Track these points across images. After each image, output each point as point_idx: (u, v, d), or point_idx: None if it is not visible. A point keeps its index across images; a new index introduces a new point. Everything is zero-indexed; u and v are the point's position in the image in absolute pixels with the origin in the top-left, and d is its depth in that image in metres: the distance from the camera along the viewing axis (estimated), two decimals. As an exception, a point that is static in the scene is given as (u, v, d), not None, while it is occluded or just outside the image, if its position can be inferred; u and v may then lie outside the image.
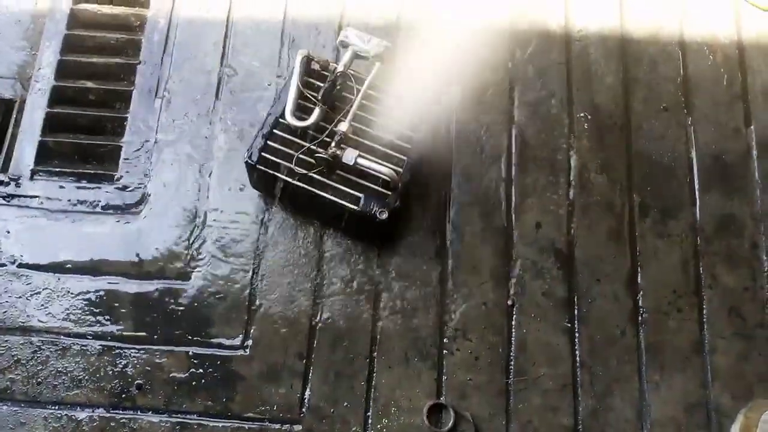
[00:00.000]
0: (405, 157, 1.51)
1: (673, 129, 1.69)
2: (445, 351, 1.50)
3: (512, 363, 1.50)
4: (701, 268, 1.58)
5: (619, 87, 1.72)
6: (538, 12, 1.78)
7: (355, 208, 1.46)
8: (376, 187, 1.49)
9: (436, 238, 1.59)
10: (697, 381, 1.49)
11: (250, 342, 1.51)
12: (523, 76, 1.72)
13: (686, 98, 1.72)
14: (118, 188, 1.64)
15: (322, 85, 1.53)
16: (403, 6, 1.79)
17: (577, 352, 1.51)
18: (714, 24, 1.79)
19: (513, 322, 1.52)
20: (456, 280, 1.56)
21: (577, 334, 1.52)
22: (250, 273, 1.57)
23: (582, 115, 1.69)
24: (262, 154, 1.50)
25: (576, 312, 1.54)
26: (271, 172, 1.49)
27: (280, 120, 1.52)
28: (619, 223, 1.61)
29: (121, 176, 1.65)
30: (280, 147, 1.51)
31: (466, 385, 1.48)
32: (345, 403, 1.47)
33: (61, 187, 1.64)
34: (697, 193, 1.64)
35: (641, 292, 1.56)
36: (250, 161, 1.50)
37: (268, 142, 1.51)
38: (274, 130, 1.52)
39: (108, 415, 1.45)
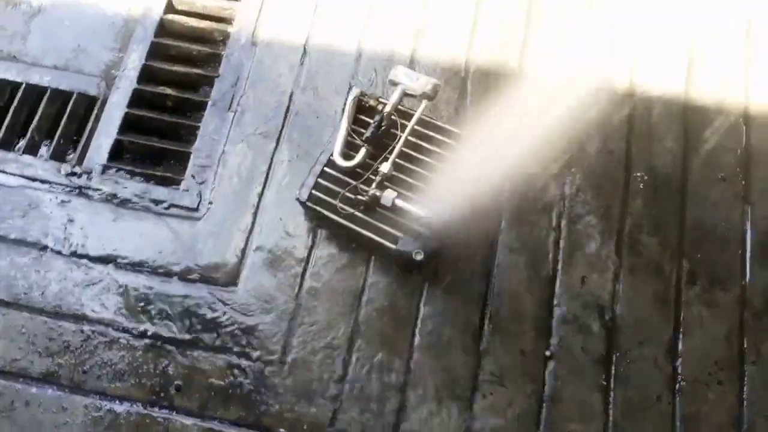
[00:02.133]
0: (447, 198, 1.54)
1: (729, 200, 1.69)
2: (477, 393, 1.52)
3: (544, 414, 1.50)
4: (745, 343, 1.56)
5: (678, 151, 1.73)
6: (601, 67, 1.80)
7: (393, 247, 1.50)
8: (416, 228, 1.52)
9: (480, 281, 1.61)
10: (731, 458, 1.47)
11: (288, 358, 1.55)
12: (583, 129, 1.74)
13: (745, 170, 1.72)
14: (181, 192, 1.71)
15: (372, 122, 1.57)
16: (473, 51, 1.84)
17: (610, 412, 1.50)
18: (781, 100, 1.80)
19: (548, 374, 1.53)
20: (495, 325, 1.57)
21: (612, 394, 1.52)
22: (296, 291, 1.61)
23: (638, 174, 1.70)
24: (312, 191, 1.56)
25: (613, 371, 1.53)
26: (319, 209, 1.54)
27: (330, 158, 1.57)
28: (666, 287, 1.61)
29: (187, 181, 1.73)
30: (329, 185, 1.56)
31: (495, 430, 1.49)
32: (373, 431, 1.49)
33: (129, 185, 1.72)
34: (748, 266, 1.63)
35: (681, 359, 1.55)
36: (300, 199, 1.55)
37: (319, 180, 1.56)
38: (325, 168, 1.57)
39: (145, 411, 1.50)
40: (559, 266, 1.61)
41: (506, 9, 1.88)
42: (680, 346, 1.56)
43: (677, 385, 1.53)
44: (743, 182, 1.70)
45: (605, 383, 1.52)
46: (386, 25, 1.87)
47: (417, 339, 1.56)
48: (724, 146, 1.73)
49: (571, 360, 1.54)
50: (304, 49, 1.86)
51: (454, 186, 1.51)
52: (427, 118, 1.59)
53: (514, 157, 1.71)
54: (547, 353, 1.54)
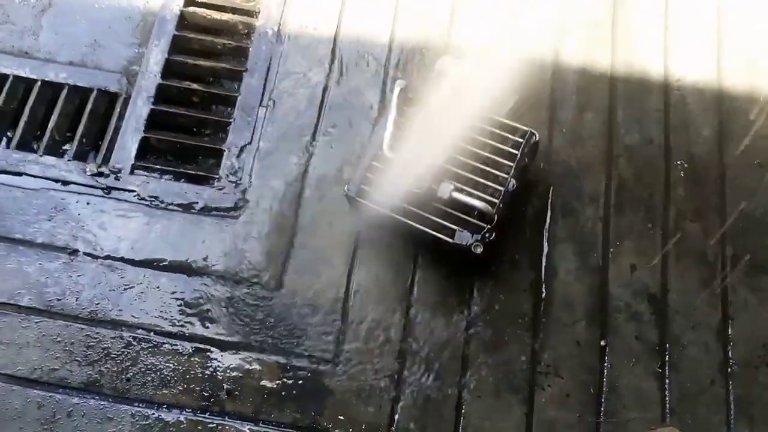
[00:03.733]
0: (502, 188, 1.52)
1: (765, 185, 1.71)
2: (536, 386, 1.50)
3: (603, 404, 1.49)
4: (790, 325, 1.59)
5: (714, 139, 1.74)
6: (637, 57, 1.81)
7: (450, 241, 1.47)
8: (472, 220, 1.49)
9: (530, 273, 1.59)
10: (786, 439, 1.49)
11: (341, 357, 1.51)
12: (622, 120, 1.74)
13: (780, 156, 1.75)
14: (217, 191, 1.65)
15: (420, 115, 1.54)
16: (508, 35, 1.82)
17: (667, 398, 1.51)
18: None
19: (605, 363, 1.52)
20: (549, 317, 1.56)
21: (667, 380, 1.52)
22: (344, 288, 1.57)
23: (678, 162, 1.71)
24: (362, 186, 1.52)
25: (667, 358, 1.54)
26: (371, 205, 1.51)
27: (379, 152, 1.53)
28: (712, 273, 1.62)
29: (222, 179, 1.67)
30: (379, 179, 1.52)
31: (555, 422, 1.47)
32: (433, 429, 1.46)
33: (161, 184, 1.66)
34: (789, 250, 1.65)
35: (731, 344, 1.56)
36: (349, 194, 1.51)
37: (368, 174, 1.52)
38: (374, 163, 1.53)
39: (195, 418, 1.44)
40: (609, 255, 1.61)
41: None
42: (730, 331, 1.57)
43: (729, 369, 1.54)
44: (779, 168, 1.73)
45: (660, 370, 1.52)
46: (418, 10, 1.84)
47: (471, 334, 1.54)
48: (758, 133, 1.76)
49: (626, 348, 1.53)
50: (334, 40, 1.81)
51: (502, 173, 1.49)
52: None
53: (558, 145, 1.70)
54: (602, 343, 1.54)
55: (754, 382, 1.53)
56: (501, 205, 1.47)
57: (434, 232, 1.46)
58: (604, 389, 1.50)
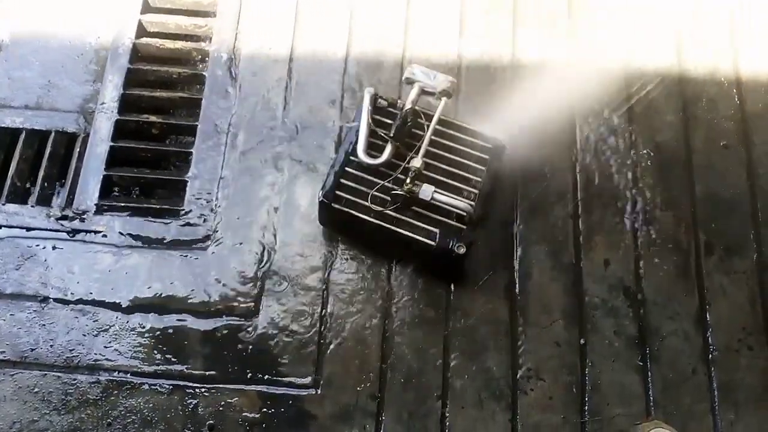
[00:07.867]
0: (476, 191, 1.52)
1: (733, 166, 1.71)
2: (518, 391, 1.50)
3: (587, 403, 1.49)
4: (769, 306, 1.59)
5: (679, 125, 1.74)
6: (597, 50, 1.80)
7: (432, 243, 1.47)
8: (450, 222, 1.49)
9: (504, 276, 1.59)
10: (772, 421, 1.49)
11: (321, 381, 1.50)
12: (585, 113, 1.74)
13: (745, 136, 1.74)
14: (184, 224, 1.64)
15: (389, 122, 1.55)
16: (464, 44, 1.81)
17: (650, 391, 1.51)
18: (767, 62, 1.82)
19: (586, 362, 1.52)
20: (527, 319, 1.55)
21: (649, 373, 1.52)
22: (319, 310, 1.56)
23: (645, 152, 1.71)
24: (336, 192, 1.51)
25: (647, 350, 1.53)
26: (347, 210, 1.50)
27: (352, 158, 1.53)
28: (686, 260, 1.62)
29: (187, 211, 1.65)
30: (353, 185, 1.51)
31: (540, 425, 1.47)
32: (419, 444, 1.46)
33: (127, 221, 1.64)
34: (761, 230, 1.65)
35: (710, 330, 1.56)
36: (324, 200, 1.50)
37: (342, 180, 1.52)
38: (347, 168, 1.53)
39: (180, 456, 1.44)
40: (581, 252, 1.60)
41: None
42: (708, 317, 1.57)
43: (710, 356, 1.54)
44: (744, 148, 1.72)
45: (641, 363, 1.52)
46: (372, 25, 1.83)
47: (450, 344, 1.53)
48: (722, 115, 1.75)
49: (606, 345, 1.53)
50: (290, 59, 1.80)
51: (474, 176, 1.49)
52: (443, 116, 1.55)
53: (522, 146, 1.69)
54: (582, 341, 1.53)
55: (736, 367, 1.53)
56: (476, 207, 1.47)
57: (415, 236, 1.45)
58: (586, 388, 1.50)
